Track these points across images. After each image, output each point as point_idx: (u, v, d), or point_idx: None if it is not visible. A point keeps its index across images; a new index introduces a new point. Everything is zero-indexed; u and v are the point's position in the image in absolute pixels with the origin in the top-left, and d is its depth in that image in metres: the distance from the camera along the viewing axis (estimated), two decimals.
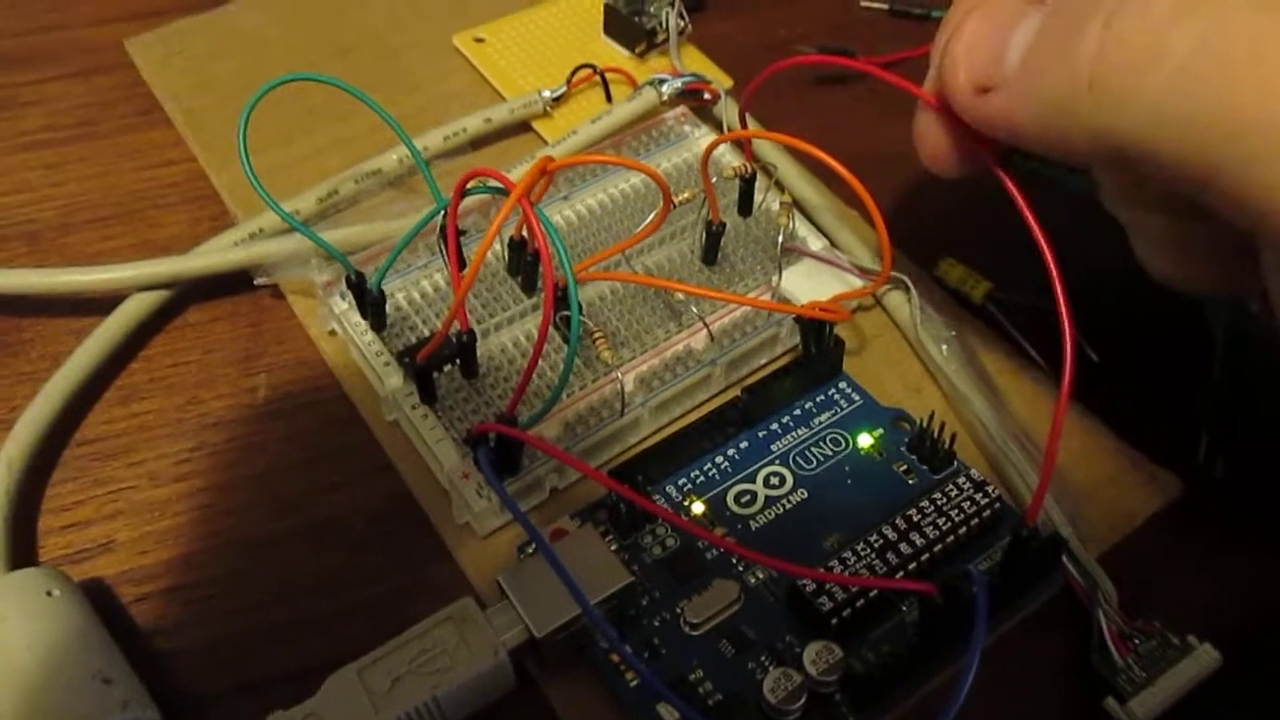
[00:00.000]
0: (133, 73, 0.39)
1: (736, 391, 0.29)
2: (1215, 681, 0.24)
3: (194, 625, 0.26)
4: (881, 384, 0.30)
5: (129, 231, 0.34)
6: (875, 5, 0.42)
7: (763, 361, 0.31)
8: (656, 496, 0.27)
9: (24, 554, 0.27)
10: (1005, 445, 0.28)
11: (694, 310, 0.29)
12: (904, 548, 0.25)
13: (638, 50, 0.39)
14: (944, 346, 0.30)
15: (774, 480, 0.28)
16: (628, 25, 0.39)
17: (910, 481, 0.28)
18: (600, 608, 0.24)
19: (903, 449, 0.28)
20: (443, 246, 0.28)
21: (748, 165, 0.32)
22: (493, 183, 0.27)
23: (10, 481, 0.27)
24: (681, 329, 0.29)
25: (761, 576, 0.26)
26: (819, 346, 0.29)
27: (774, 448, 0.28)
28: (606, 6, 0.39)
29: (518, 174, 0.31)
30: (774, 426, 0.29)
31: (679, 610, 0.25)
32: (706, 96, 0.36)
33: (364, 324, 0.30)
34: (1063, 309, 0.22)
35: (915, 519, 0.25)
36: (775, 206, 0.32)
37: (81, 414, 0.30)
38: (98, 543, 0.27)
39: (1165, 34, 0.19)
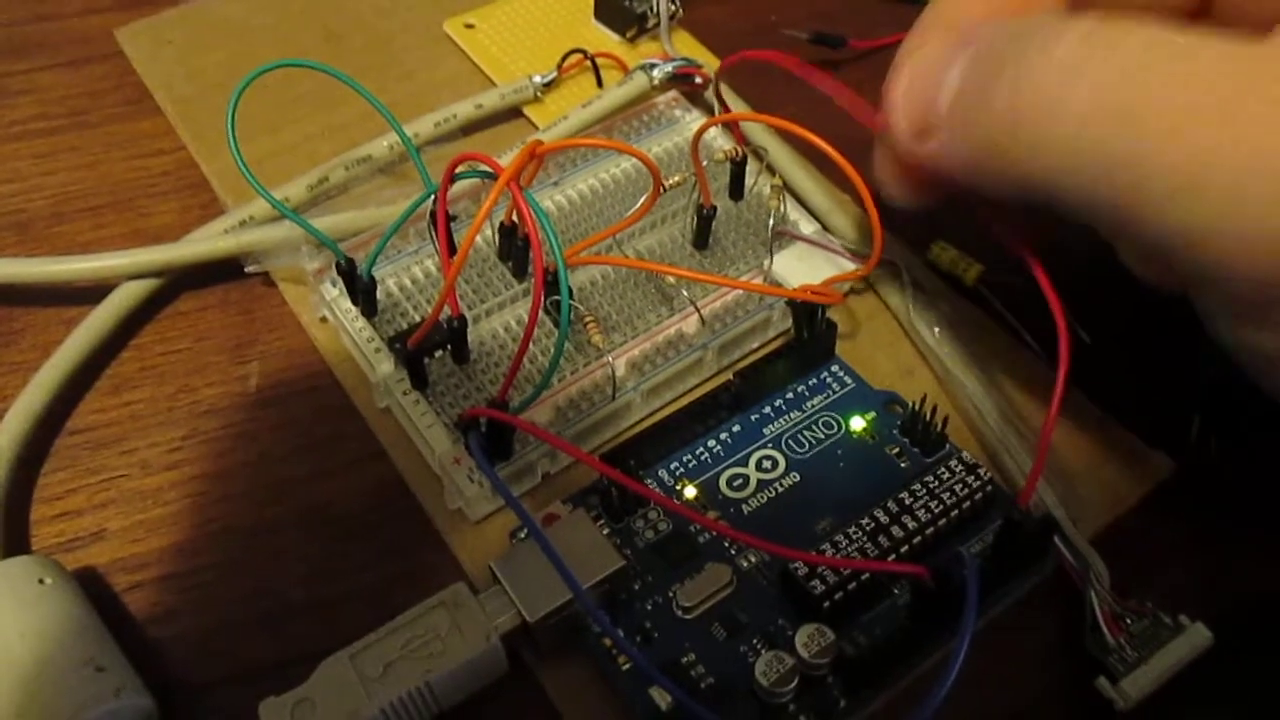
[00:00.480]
0: (123, 62, 0.39)
1: (728, 375, 0.29)
2: (1207, 661, 0.24)
3: (186, 613, 0.26)
4: (874, 367, 0.30)
5: (120, 220, 0.34)
6: None
7: (755, 345, 0.31)
8: (648, 481, 0.27)
9: (16, 543, 0.27)
10: (997, 428, 0.28)
11: (685, 294, 0.29)
12: (896, 531, 0.25)
13: (628, 35, 0.39)
14: (936, 329, 0.30)
15: (766, 464, 0.28)
16: (619, 10, 0.39)
17: (902, 464, 0.28)
18: (592, 592, 0.24)
19: (895, 432, 0.28)
20: (433, 232, 0.28)
21: (739, 149, 0.32)
22: (482, 167, 0.27)
23: (2, 471, 0.27)
24: (673, 313, 0.29)
25: (754, 560, 0.26)
26: (811, 330, 0.29)
27: (766, 431, 0.28)
28: None
29: (508, 159, 0.31)
30: (766, 410, 0.29)
31: (671, 594, 0.25)
32: (697, 81, 0.36)
33: (355, 310, 0.30)
34: (1055, 306, 0.22)
35: (907, 502, 0.25)
36: (767, 190, 0.32)
37: (73, 403, 0.30)
38: (90, 531, 0.27)
39: (1066, 86, 0.20)
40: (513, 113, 0.37)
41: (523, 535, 0.26)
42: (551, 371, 0.26)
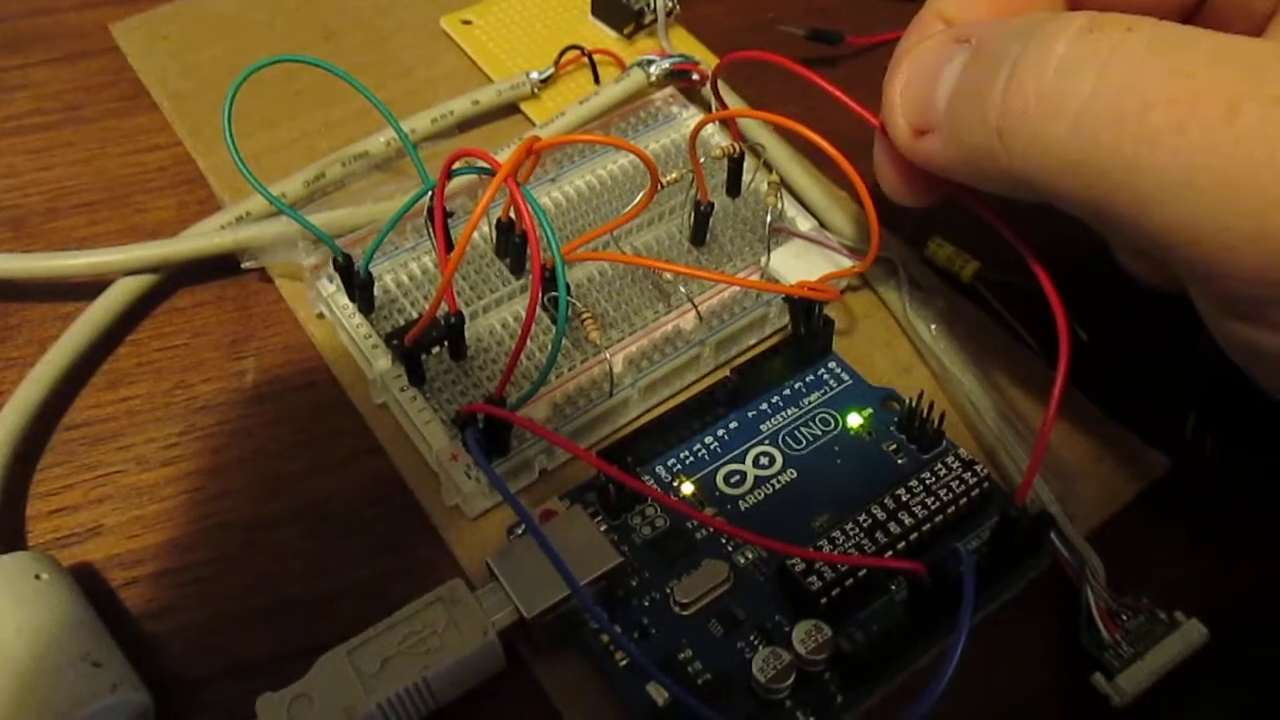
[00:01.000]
0: (119, 57, 0.39)
1: (726, 372, 0.29)
2: (1202, 657, 0.24)
3: (183, 608, 0.26)
4: (871, 364, 0.30)
5: (116, 216, 0.34)
6: None
7: (752, 342, 0.31)
8: (646, 477, 0.27)
9: (12, 539, 0.27)
10: (994, 424, 0.28)
11: (683, 291, 0.29)
12: (893, 527, 0.25)
13: (626, 31, 0.39)
14: (933, 326, 0.30)
15: (763, 460, 0.28)
16: (616, 6, 0.39)
17: (899, 461, 0.28)
18: (589, 588, 0.24)
19: (892, 429, 0.28)
20: (430, 228, 0.28)
21: (736, 145, 0.31)
22: (480, 163, 0.27)
23: None
24: (670, 309, 0.29)
25: (751, 556, 0.26)
26: (808, 326, 0.29)
27: (763, 428, 0.28)
28: None
29: (505, 155, 0.31)
30: (763, 407, 0.29)
31: (668, 590, 0.25)
32: (694, 77, 0.36)
33: (352, 307, 0.30)
34: (1054, 300, 0.23)
35: (904, 498, 0.25)
36: (764, 187, 0.32)
37: (69, 399, 0.30)
38: (86, 527, 0.27)
39: (1060, 86, 0.20)
40: (510, 109, 0.37)
41: (520, 531, 0.26)
42: (549, 368, 0.26)
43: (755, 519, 0.26)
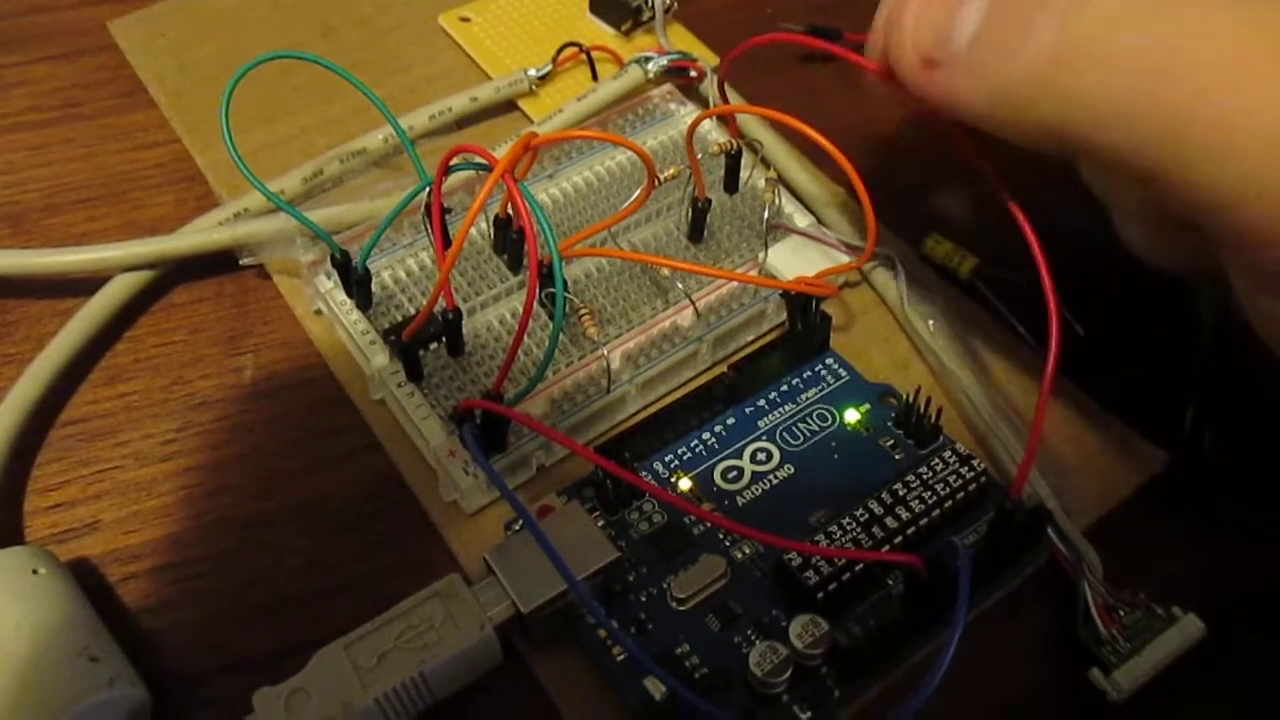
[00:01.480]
0: (117, 54, 0.39)
1: (723, 368, 0.29)
2: (1200, 652, 0.24)
3: (181, 604, 0.26)
4: (868, 360, 0.30)
5: (114, 212, 0.34)
6: None
7: (749, 338, 0.31)
8: (643, 473, 0.27)
9: (10, 534, 0.27)
10: (991, 419, 0.28)
11: (680, 287, 0.29)
12: (890, 521, 0.25)
13: (624, 28, 0.39)
14: (930, 322, 0.30)
15: (761, 456, 0.28)
16: (614, 3, 0.39)
17: (896, 456, 0.28)
18: (587, 583, 0.24)
19: (889, 424, 0.28)
20: (428, 224, 0.28)
21: (733, 141, 0.32)
22: (477, 160, 0.27)
23: None
24: (668, 306, 0.29)
25: (748, 551, 0.26)
26: (805, 322, 0.29)
27: (761, 424, 0.28)
28: None
29: (503, 152, 0.31)
30: (761, 403, 0.29)
31: (666, 585, 0.25)
32: (692, 74, 0.36)
33: (350, 303, 0.30)
34: (1047, 284, 0.22)
35: (901, 493, 0.25)
36: (761, 183, 0.32)
37: (67, 395, 0.30)
38: (84, 522, 0.27)
39: (1116, 35, 0.19)
40: (508, 106, 0.37)
41: (517, 527, 0.26)
42: (546, 364, 0.26)
43: (752, 514, 0.26)
